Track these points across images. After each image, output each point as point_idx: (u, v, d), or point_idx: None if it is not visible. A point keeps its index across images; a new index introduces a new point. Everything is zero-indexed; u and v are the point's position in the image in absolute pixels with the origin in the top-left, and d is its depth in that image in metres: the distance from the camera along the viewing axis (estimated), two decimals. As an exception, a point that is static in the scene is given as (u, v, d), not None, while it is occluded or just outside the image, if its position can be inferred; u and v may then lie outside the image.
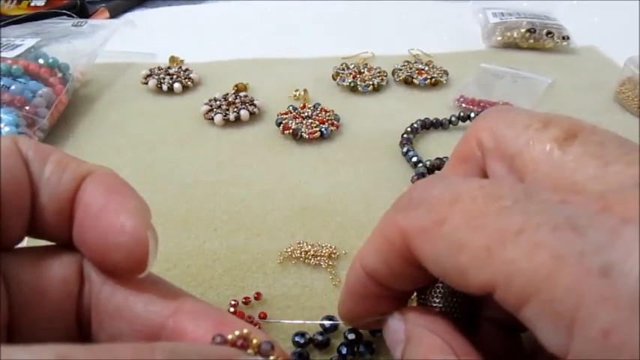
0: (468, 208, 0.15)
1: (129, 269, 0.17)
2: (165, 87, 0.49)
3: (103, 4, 0.69)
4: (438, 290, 0.19)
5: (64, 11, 0.62)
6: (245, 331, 0.16)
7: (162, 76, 0.51)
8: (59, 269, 0.18)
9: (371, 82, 0.50)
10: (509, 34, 0.60)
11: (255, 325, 0.27)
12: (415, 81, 0.51)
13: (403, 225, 0.16)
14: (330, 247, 0.32)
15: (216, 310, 0.18)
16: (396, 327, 0.19)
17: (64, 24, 0.57)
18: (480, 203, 0.15)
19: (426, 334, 0.17)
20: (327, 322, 0.26)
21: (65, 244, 0.18)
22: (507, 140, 0.18)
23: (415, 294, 0.20)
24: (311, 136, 0.42)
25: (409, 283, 0.18)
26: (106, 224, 0.17)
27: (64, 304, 0.18)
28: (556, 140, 0.17)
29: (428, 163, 0.38)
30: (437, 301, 0.19)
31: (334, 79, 0.51)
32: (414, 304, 0.21)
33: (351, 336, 0.25)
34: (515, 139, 0.18)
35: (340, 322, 0.26)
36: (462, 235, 0.14)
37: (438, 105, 0.48)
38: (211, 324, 0.17)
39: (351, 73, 0.51)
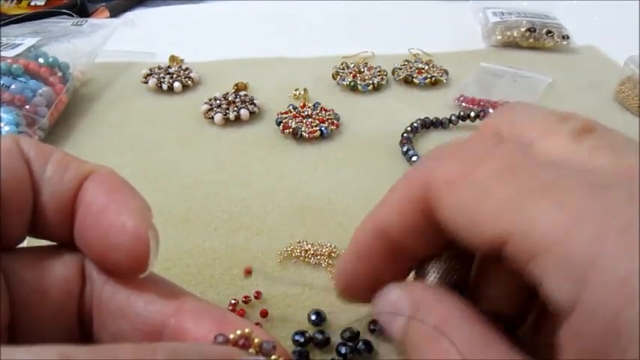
0: (500, 161, 0.15)
1: (130, 269, 0.17)
2: (165, 86, 0.49)
3: (103, 4, 0.69)
4: (435, 266, 0.19)
5: (64, 10, 0.62)
6: (247, 330, 0.16)
7: (162, 75, 0.51)
8: (60, 269, 0.18)
9: (371, 82, 0.50)
10: (509, 33, 0.60)
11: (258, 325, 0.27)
12: (415, 80, 0.51)
13: (427, 176, 0.16)
14: (330, 246, 0.32)
15: (217, 309, 0.18)
16: (396, 297, 0.18)
17: (64, 23, 0.57)
18: (513, 158, 0.15)
19: (437, 302, 0.17)
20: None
21: (66, 243, 0.18)
22: (524, 130, 0.18)
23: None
24: (311, 136, 0.42)
25: (421, 241, 0.18)
26: (107, 223, 0.17)
27: (65, 303, 0.18)
28: (572, 132, 0.17)
29: (428, 162, 0.38)
30: (435, 276, 0.19)
31: (334, 79, 0.51)
32: None
33: (349, 335, 0.25)
34: (532, 129, 0.18)
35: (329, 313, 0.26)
36: (489, 184, 0.15)
37: (438, 104, 0.48)
38: (213, 323, 0.17)
39: (351, 73, 0.51)
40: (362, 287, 0.20)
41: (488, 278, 0.19)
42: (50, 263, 0.18)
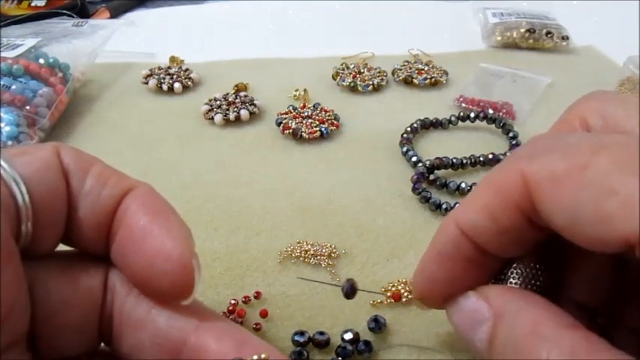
0: (619, 154, 0.14)
1: (173, 296, 0.17)
2: (165, 87, 0.49)
3: (104, 4, 0.69)
4: (517, 272, 0.18)
5: (65, 11, 0.62)
6: (263, 356, 0.16)
7: (162, 76, 0.51)
8: (86, 279, 0.18)
9: (371, 82, 0.50)
10: (508, 34, 0.60)
11: (257, 327, 0.27)
12: (415, 81, 0.51)
13: (528, 172, 0.15)
14: (330, 246, 0.32)
15: (238, 329, 0.18)
16: (474, 306, 0.17)
17: (65, 24, 0.57)
18: (633, 150, 0.14)
19: (524, 307, 0.16)
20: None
21: (94, 254, 0.18)
22: (619, 119, 0.17)
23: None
24: (311, 136, 0.42)
25: (511, 243, 0.17)
26: (152, 250, 0.16)
27: (88, 313, 0.18)
28: None
29: (427, 162, 0.38)
30: (517, 282, 0.18)
31: (334, 79, 0.51)
32: None
33: (349, 335, 0.25)
34: (629, 117, 0.17)
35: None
36: (612, 180, 0.14)
37: (437, 105, 0.48)
38: (234, 343, 0.17)
39: (351, 73, 0.51)
40: (441, 293, 0.19)
41: (576, 271, 0.18)
42: (76, 273, 0.18)
